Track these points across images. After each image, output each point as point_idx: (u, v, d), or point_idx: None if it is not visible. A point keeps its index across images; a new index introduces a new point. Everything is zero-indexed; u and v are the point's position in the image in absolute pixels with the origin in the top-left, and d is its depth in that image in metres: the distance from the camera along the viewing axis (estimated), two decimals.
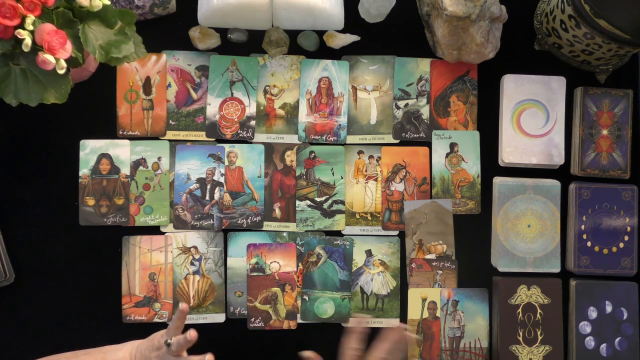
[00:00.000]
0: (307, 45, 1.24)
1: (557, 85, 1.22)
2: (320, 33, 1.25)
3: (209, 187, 1.22)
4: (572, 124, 1.24)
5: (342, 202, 1.23)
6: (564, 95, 1.22)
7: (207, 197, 1.21)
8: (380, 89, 1.25)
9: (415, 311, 1.20)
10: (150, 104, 1.22)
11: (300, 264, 1.21)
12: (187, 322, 1.20)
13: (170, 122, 1.23)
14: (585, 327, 1.18)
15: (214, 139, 1.23)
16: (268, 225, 1.22)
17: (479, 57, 1.19)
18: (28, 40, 0.94)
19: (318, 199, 1.22)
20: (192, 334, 0.96)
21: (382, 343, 1.03)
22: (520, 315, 1.18)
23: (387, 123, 1.24)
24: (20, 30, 0.94)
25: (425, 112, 1.24)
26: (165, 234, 1.21)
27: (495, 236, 1.21)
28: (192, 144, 1.22)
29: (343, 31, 1.25)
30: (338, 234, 1.23)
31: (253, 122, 1.23)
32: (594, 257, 1.20)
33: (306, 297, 1.21)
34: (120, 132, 1.22)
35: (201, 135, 1.23)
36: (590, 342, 1.18)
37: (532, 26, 1.25)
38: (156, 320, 1.19)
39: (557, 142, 1.21)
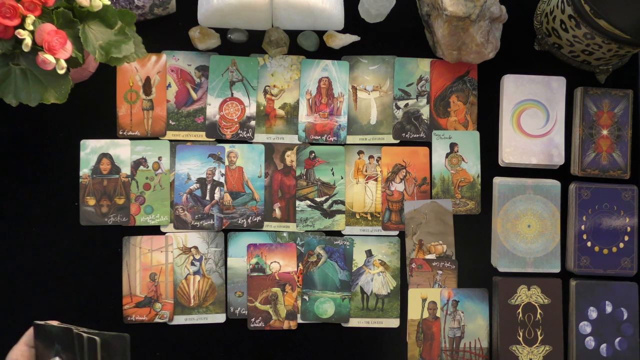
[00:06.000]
0: (307, 45, 1.24)
1: (557, 85, 1.22)
2: (320, 33, 1.25)
3: (209, 187, 1.22)
4: (572, 124, 1.24)
5: (342, 202, 1.23)
6: (564, 95, 1.22)
7: (208, 197, 1.22)
8: (380, 89, 1.25)
9: (415, 311, 1.20)
10: (150, 104, 1.22)
11: (300, 264, 1.21)
12: (188, 322, 1.20)
13: (170, 122, 1.23)
14: (586, 327, 1.18)
15: (214, 139, 1.23)
16: (268, 225, 1.22)
17: (479, 57, 1.20)
18: (28, 40, 0.94)
19: (318, 199, 1.22)
20: None
21: None
22: (520, 315, 1.18)
23: (387, 123, 1.24)
24: (21, 30, 0.94)
25: (425, 112, 1.24)
26: (166, 234, 1.21)
27: (495, 236, 1.21)
28: (192, 144, 1.23)
29: (343, 31, 1.25)
30: (338, 234, 1.23)
31: (253, 122, 1.23)
32: (594, 257, 1.20)
33: (306, 297, 1.21)
34: (120, 133, 1.22)
35: (201, 136, 1.23)
36: (590, 342, 1.18)
37: (532, 26, 1.25)
38: (157, 320, 1.19)
39: (557, 142, 1.21)
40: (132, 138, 1.22)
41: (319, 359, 1.21)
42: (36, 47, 0.95)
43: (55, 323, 0.93)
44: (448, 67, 1.25)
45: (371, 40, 1.25)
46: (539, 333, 1.18)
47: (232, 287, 1.21)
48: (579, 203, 1.21)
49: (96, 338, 0.89)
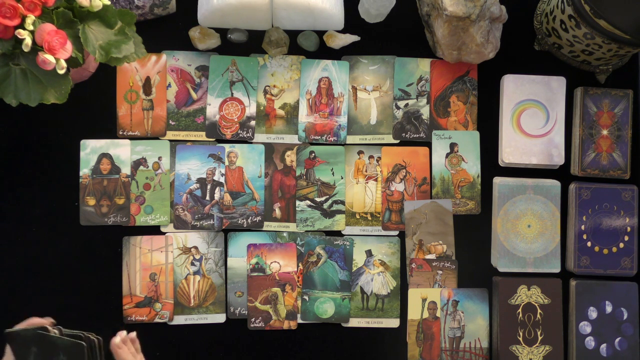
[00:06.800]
0: (307, 45, 1.24)
1: (557, 85, 1.22)
2: (320, 33, 1.25)
3: (209, 187, 1.22)
4: (572, 124, 1.24)
5: (342, 202, 1.23)
6: (564, 95, 1.22)
7: (208, 197, 1.22)
8: (380, 89, 1.25)
9: (415, 311, 1.20)
10: (150, 104, 1.22)
11: (300, 264, 1.21)
12: (188, 322, 1.20)
13: (170, 122, 1.23)
14: (586, 327, 1.18)
15: (214, 139, 1.23)
16: (268, 225, 1.22)
17: (479, 57, 1.19)
18: (28, 40, 0.94)
19: (318, 199, 1.22)
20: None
21: None
22: (520, 315, 1.18)
23: (387, 123, 1.24)
24: (21, 30, 0.94)
25: (425, 112, 1.24)
26: (166, 234, 1.21)
27: (495, 236, 1.21)
28: (192, 144, 1.23)
29: (343, 31, 1.25)
30: (338, 234, 1.23)
31: (253, 122, 1.23)
32: (594, 257, 1.20)
33: (306, 297, 1.21)
34: (121, 132, 1.22)
35: (201, 136, 1.23)
36: (590, 342, 1.18)
37: (532, 26, 1.25)
38: (157, 320, 1.19)
39: (557, 142, 1.21)
40: (132, 138, 1.22)
41: (319, 359, 1.21)
42: (36, 47, 0.95)
43: (27, 325, 0.94)
44: (448, 67, 1.25)
45: (371, 40, 1.25)
46: (539, 333, 1.18)
47: (232, 287, 1.21)
48: (579, 203, 1.21)
49: (83, 343, 0.89)
